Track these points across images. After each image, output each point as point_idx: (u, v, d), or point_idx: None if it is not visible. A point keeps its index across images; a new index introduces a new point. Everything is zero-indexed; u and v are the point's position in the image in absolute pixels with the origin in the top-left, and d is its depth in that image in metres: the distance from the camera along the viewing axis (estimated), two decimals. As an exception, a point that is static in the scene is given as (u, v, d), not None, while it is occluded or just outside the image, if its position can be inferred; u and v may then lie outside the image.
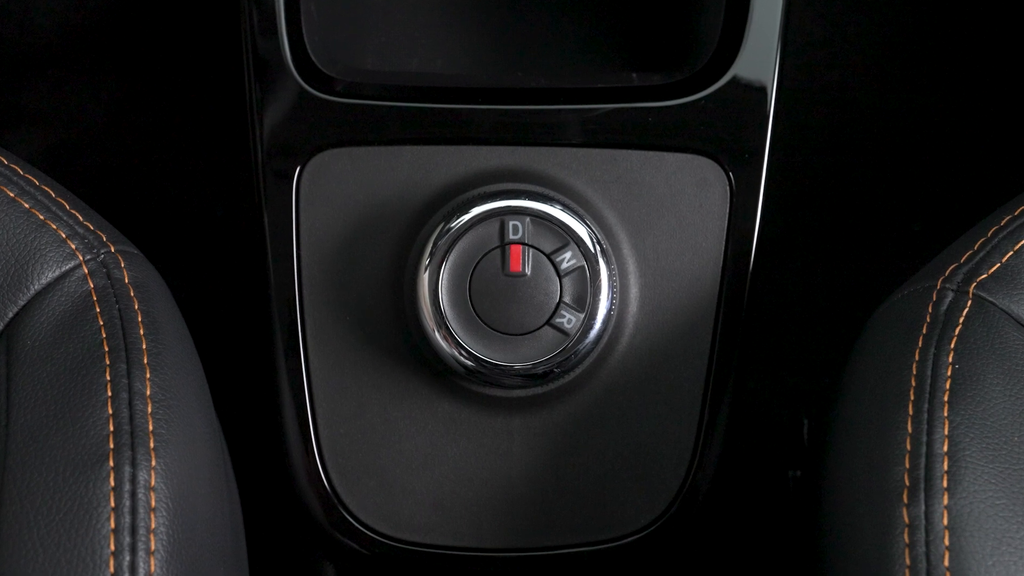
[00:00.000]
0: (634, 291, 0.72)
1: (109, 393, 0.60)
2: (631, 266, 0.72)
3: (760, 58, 0.71)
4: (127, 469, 0.58)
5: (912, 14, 1.06)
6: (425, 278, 0.69)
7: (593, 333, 0.69)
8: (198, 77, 1.06)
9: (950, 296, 0.64)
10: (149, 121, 1.08)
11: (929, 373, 0.61)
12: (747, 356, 0.73)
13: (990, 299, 0.64)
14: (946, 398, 0.60)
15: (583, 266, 0.69)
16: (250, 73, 0.72)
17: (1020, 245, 0.65)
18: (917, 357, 0.62)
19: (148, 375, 0.61)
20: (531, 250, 0.69)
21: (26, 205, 0.66)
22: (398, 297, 0.71)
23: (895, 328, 0.65)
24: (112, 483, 0.57)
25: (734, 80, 0.71)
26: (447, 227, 0.69)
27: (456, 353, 0.69)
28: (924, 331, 0.63)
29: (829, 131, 1.07)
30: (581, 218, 0.69)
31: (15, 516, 0.56)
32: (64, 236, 0.65)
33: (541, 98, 0.72)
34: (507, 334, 0.69)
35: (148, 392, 0.60)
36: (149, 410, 0.60)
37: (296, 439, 0.73)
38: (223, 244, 1.07)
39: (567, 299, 0.69)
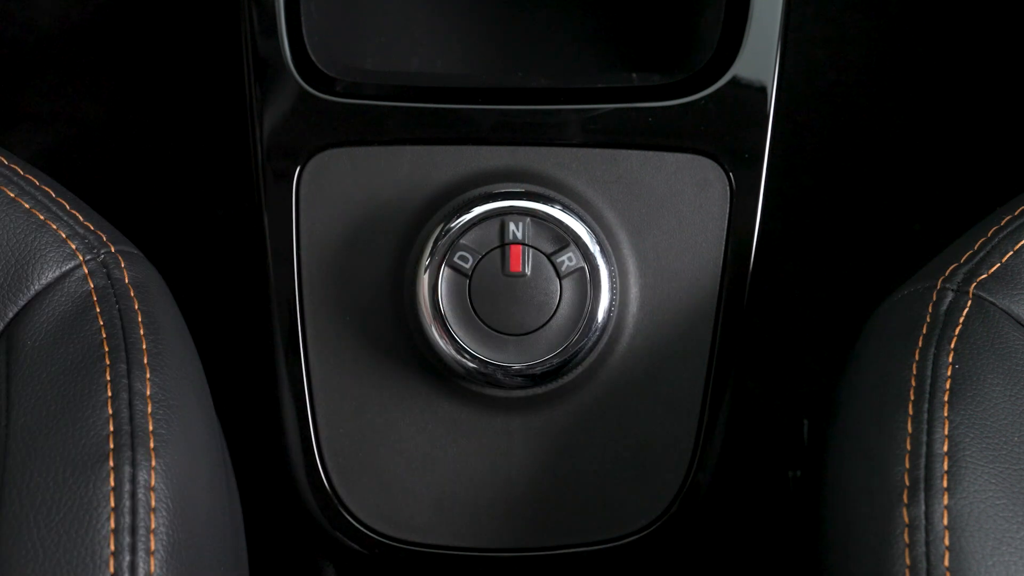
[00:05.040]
0: (634, 291, 0.72)
1: (109, 393, 0.60)
2: (631, 266, 0.72)
3: (760, 58, 0.71)
4: (127, 469, 0.58)
5: (912, 14, 1.06)
6: (425, 278, 0.69)
7: (593, 333, 0.69)
8: (198, 77, 1.06)
9: (950, 296, 0.64)
10: (149, 121, 1.08)
11: (929, 373, 0.61)
12: (747, 356, 0.73)
13: (990, 299, 0.64)
14: (946, 398, 0.60)
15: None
16: (250, 73, 0.72)
17: (1020, 245, 0.65)
18: (917, 357, 0.62)
19: (148, 375, 0.61)
20: (531, 250, 0.69)
21: (26, 205, 0.66)
22: (398, 297, 0.71)
23: (895, 328, 0.65)
24: (112, 483, 0.57)
25: (734, 80, 0.71)
26: (447, 227, 0.69)
27: (456, 353, 0.69)
28: (924, 331, 0.63)
29: (829, 131, 1.07)
30: (581, 218, 0.69)
31: (15, 516, 0.56)
32: (64, 236, 0.65)
33: (541, 98, 0.72)
34: (507, 334, 0.69)
35: (148, 392, 0.61)
36: (149, 410, 0.60)
37: (296, 439, 0.73)
38: (223, 244, 1.07)
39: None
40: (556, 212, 0.69)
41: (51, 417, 0.59)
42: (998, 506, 0.57)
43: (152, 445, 0.59)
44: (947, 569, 0.55)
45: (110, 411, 0.59)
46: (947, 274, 0.65)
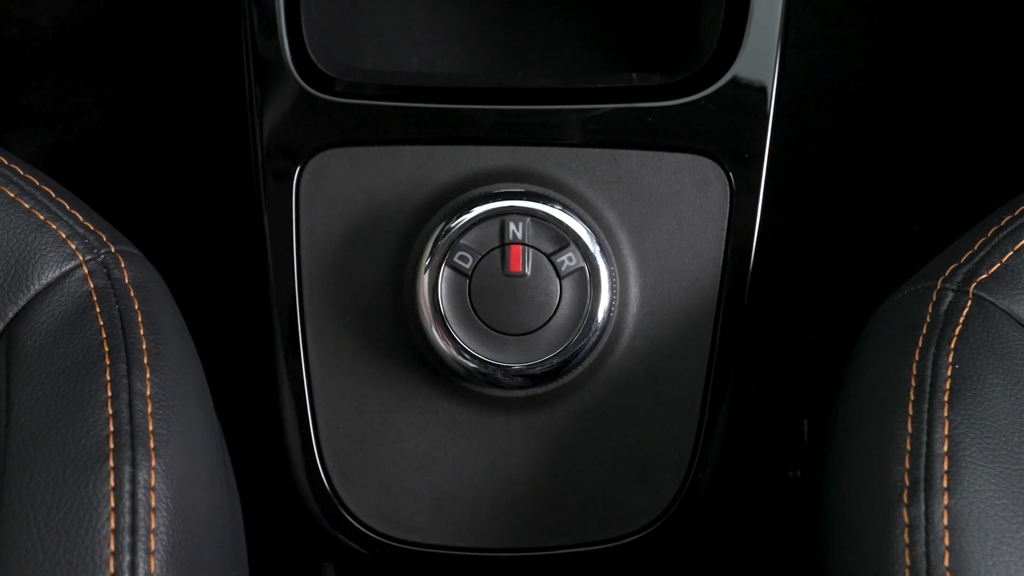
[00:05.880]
0: (634, 291, 0.72)
1: (109, 393, 0.60)
2: (631, 266, 0.72)
3: (760, 58, 0.71)
4: (127, 469, 0.58)
5: (912, 14, 1.06)
6: (425, 278, 0.69)
7: (593, 333, 0.69)
8: (198, 77, 1.06)
9: (950, 296, 0.64)
10: (149, 121, 1.08)
11: (929, 373, 0.61)
12: (747, 356, 0.73)
13: (990, 299, 0.64)
14: (946, 398, 0.60)
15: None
16: (250, 73, 0.72)
17: (1020, 245, 0.65)
18: (917, 357, 0.62)
19: (148, 375, 0.61)
20: (531, 250, 0.69)
21: (26, 205, 0.66)
22: (398, 297, 0.71)
23: (895, 328, 0.65)
24: (112, 483, 0.57)
25: (734, 80, 0.71)
26: (447, 227, 0.69)
27: (456, 353, 0.69)
28: (924, 331, 0.63)
29: (829, 131, 1.07)
30: (581, 218, 0.69)
31: (15, 516, 0.56)
32: (64, 236, 0.65)
33: (541, 98, 0.72)
34: (507, 334, 0.69)
35: (148, 392, 0.60)
36: (149, 410, 0.60)
37: (296, 439, 0.73)
38: (223, 244, 1.07)
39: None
40: (556, 212, 0.69)
41: (51, 417, 0.59)
42: (998, 506, 0.57)
43: (152, 445, 0.59)
44: (947, 569, 0.55)
45: (110, 411, 0.59)
46: (947, 274, 0.65)
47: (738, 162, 0.71)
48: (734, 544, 1.00)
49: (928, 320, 0.64)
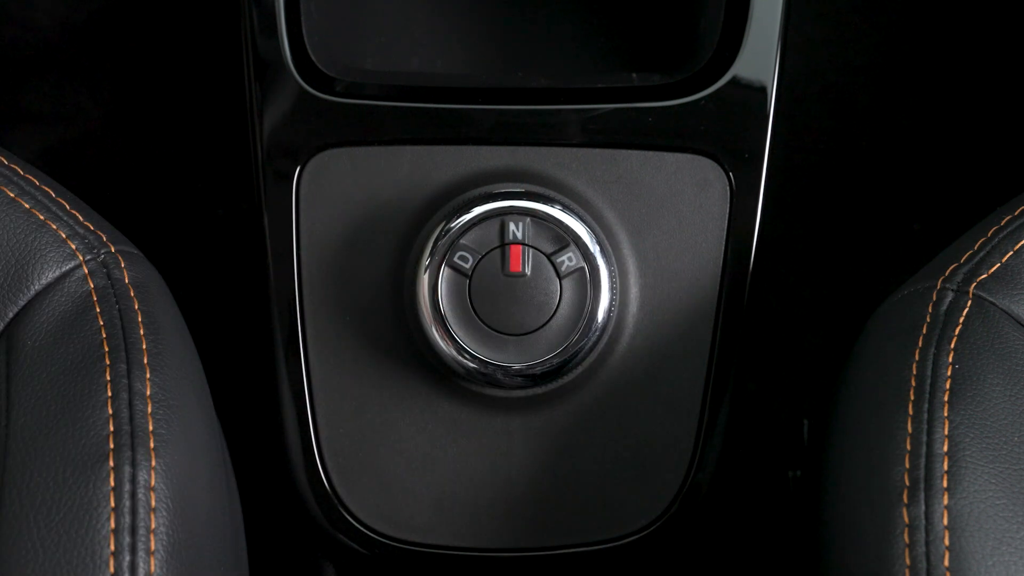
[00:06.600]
0: (634, 291, 0.72)
1: (109, 393, 0.60)
2: (631, 266, 0.72)
3: (760, 58, 0.71)
4: (127, 469, 0.58)
5: (912, 15, 1.06)
6: (425, 278, 0.69)
7: (593, 333, 0.69)
8: (198, 77, 1.07)
9: (950, 296, 0.64)
10: (149, 121, 1.08)
11: (929, 373, 0.61)
12: (747, 356, 0.73)
13: (990, 299, 0.64)
14: (946, 398, 0.60)
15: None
16: (250, 73, 0.72)
17: (1020, 245, 0.65)
18: (917, 357, 0.62)
19: (148, 375, 0.61)
20: (531, 250, 0.69)
21: (26, 205, 0.66)
22: (398, 297, 0.71)
23: (895, 328, 0.65)
24: (112, 483, 0.57)
25: (734, 80, 0.71)
26: (447, 227, 0.69)
27: (455, 353, 0.69)
28: (924, 331, 0.63)
29: (829, 131, 1.07)
30: (581, 218, 0.69)
31: (15, 516, 0.56)
32: (64, 236, 0.65)
33: (541, 98, 0.72)
34: (507, 334, 0.69)
35: (148, 392, 0.60)
36: (149, 410, 0.60)
37: (296, 439, 0.73)
38: (223, 244, 1.07)
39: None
40: (556, 212, 0.69)
41: (51, 417, 0.59)
42: (998, 506, 0.57)
43: (152, 445, 0.59)
44: (947, 569, 0.55)
45: (110, 411, 0.59)
46: (947, 274, 0.65)
47: (738, 162, 0.71)
48: (734, 544, 1.00)
49: (928, 320, 0.64)
